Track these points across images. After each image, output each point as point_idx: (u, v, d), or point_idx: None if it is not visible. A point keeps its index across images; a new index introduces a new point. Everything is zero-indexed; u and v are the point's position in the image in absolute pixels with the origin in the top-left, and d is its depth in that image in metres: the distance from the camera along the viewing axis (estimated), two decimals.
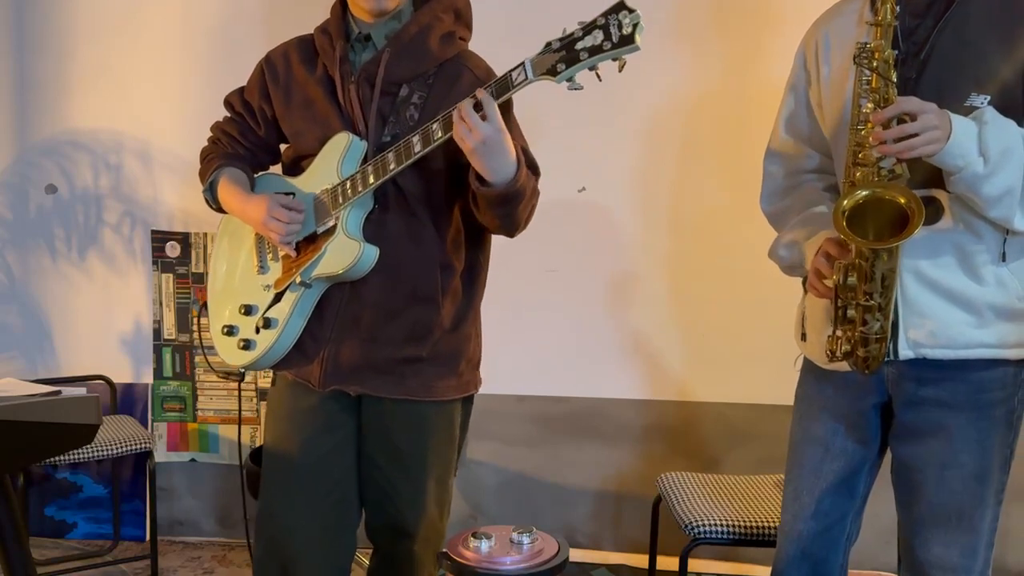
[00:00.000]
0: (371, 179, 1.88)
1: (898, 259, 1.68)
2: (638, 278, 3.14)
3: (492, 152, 1.77)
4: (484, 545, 1.97)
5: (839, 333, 1.74)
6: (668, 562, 2.68)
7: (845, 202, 1.63)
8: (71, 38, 3.29)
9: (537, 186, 1.97)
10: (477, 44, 2.09)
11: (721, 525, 2.32)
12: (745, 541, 2.32)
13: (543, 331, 3.16)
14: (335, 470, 2.03)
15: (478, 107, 1.76)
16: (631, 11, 1.66)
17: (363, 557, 2.58)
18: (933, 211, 1.69)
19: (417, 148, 1.83)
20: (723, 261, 3.01)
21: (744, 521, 2.32)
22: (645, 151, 3.08)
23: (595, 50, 1.69)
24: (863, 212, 1.63)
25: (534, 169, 1.99)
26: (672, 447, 3.15)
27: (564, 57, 1.71)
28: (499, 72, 1.82)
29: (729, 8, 2.98)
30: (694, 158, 3.04)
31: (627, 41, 1.66)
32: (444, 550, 2.01)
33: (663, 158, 3.08)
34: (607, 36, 1.67)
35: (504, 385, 3.11)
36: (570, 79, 1.72)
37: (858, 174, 1.67)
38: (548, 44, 1.73)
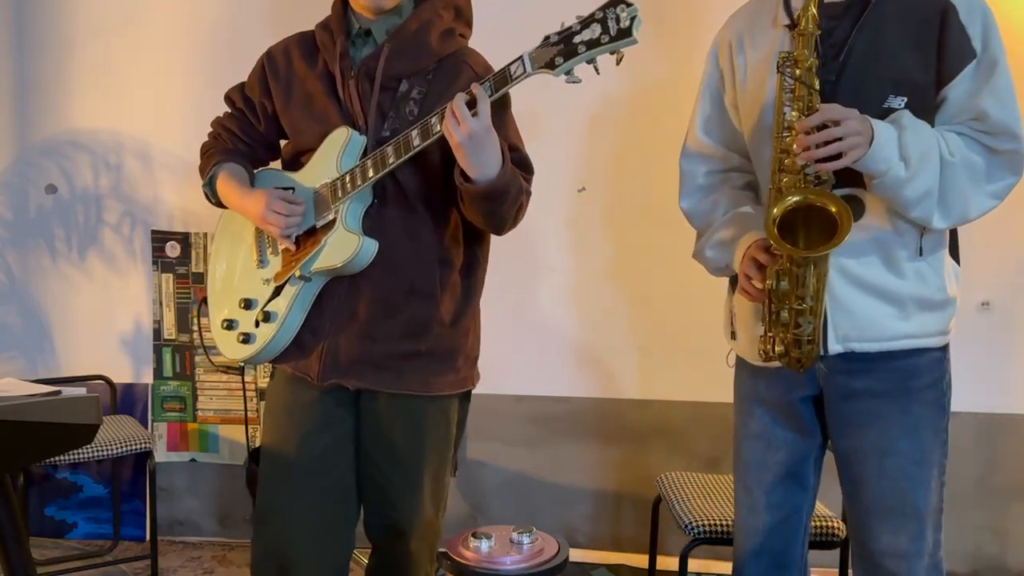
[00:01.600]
0: (370, 173, 1.89)
1: (828, 263, 1.72)
2: (638, 277, 3.14)
3: (477, 148, 1.78)
4: (484, 545, 1.97)
5: (771, 333, 1.78)
6: (668, 562, 2.68)
7: (775, 210, 1.66)
8: (71, 38, 3.29)
9: (527, 186, 1.97)
10: (477, 42, 2.09)
11: (721, 525, 2.32)
12: None
13: (543, 331, 3.16)
14: (333, 467, 2.03)
15: (472, 103, 1.77)
16: (628, 5, 1.68)
17: (362, 556, 2.58)
18: (856, 210, 1.73)
19: (416, 142, 1.84)
20: None
21: None
22: (646, 149, 3.08)
23: (593, 43, 1.70)
24: (793, 218, 1.67)
25: (526, 168, 2.00)
26: (672, 447, 3.15)
27: (562, 51, 1.72)
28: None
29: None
30: None
31: (625, 34, 1.68)
32: (444, 550, 2.01)
33: (664, 155, 3.07)
34: (605, 29, 1.69)
35: (504, 385, 3.11)
36: (568, 72, 1.74)
37: (784, 180, 1.71)
38: (546, 38, 1.75)
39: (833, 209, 1.63)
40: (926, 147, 1.66)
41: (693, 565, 2.58)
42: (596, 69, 1.74)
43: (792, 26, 1.76)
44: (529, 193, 1.99)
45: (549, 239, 3.11)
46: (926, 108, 1.71)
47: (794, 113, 1.68)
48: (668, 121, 3.05)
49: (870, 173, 1.66)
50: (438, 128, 1.81)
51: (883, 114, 1.68)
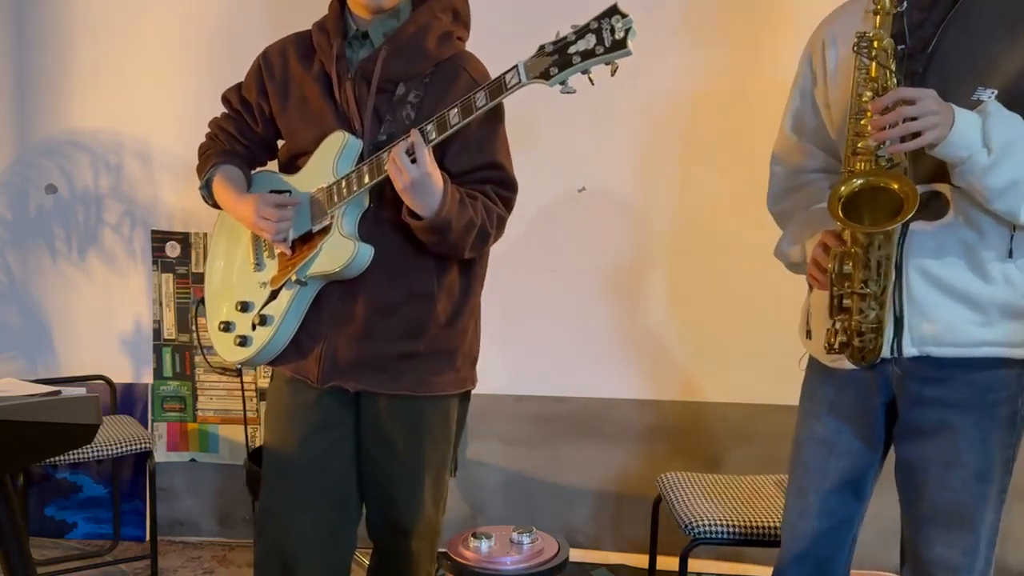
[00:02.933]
0: (366, 179, 1.90)
1: (893, 246, 1.68)
2: (638, 278, 3.14)
3: (419, 192, 1.83)
4: (484, 545, 1.97)
5: (837, 325, 1.74)
6: (668, 562, 2.68)
7: (842, 188, 1.63)
8: (71, 37, 3.29)
9: (495, 214, 1.97)
10: (474, 44, 2.09)
11: (721, 525, 2.32)
12: (745, 541, 2.32)
13: (543, 331, 3.16)
14: (334, 467, 2.04)
15: (411, 150, 1.80)
16: (624, 16, 1.67)
17: (363, 557, 2.58)
18: (938, 206, 1.69)
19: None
20: (723, 261, 3.01)
21: (744, 521, 2.32)
22: (646, 149, 3.08)
23: (587, 54, 1.70)
24: (859, 201, 1.63)
25: (508, 186, 2.01)
26: (672, 447, 3.15)
27: (557, 61, 1.72)
28: (497, 74, 1.83)
29: (731, 6, 2.98)
30: (695, 156, 3.03)
31: (619, 46, 1.67)
32: (444, 550, 2.01)
33: (664, 156, 3.07)
34: (599, 40, 1.69)
35: (504, 385, 3.11)
36: (563, 83, 1.74)
37: (857, 164, 1.67)
38: (541, 47, 1.75)
39: (896, 187, 1.59)
40: (1013, 135, 1.60)
41: (693, 565, 2.57)
42: (591, 80, 1.73)
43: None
44: (502, 218, 1.99)
45: (549, 239, 3.11)
46: (1019, 102, 1.65)
47: (868, 94, 1.65)
48: (669, 122, 3.06)
49: (951, 160, 1.61)
50: (434, 135, 1.83)
51: (971, 106, 1.63)
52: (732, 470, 2.85)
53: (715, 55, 2.99)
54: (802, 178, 1.96)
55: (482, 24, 2.14)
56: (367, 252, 1.92)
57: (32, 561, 1.94)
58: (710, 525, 2.32)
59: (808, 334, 1.92)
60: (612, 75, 1.70)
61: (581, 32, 1.71)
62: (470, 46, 2.08)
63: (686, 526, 2.35)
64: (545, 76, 1.73)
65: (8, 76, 3.32)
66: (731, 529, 2.32)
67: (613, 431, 3.18)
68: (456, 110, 1.80)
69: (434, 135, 1.82)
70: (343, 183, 1.92)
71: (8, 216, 3.38)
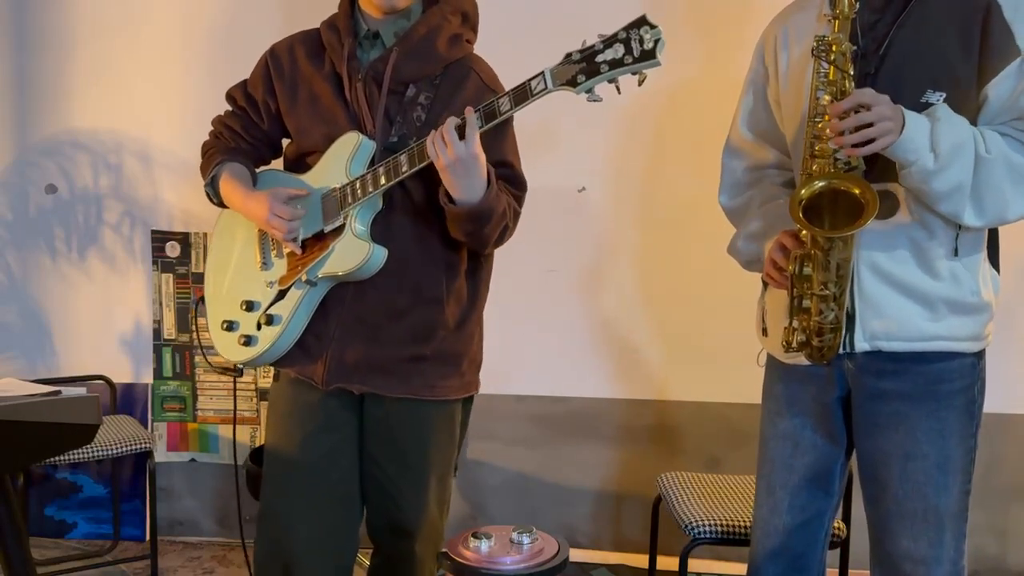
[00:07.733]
0: (382, 180, 1.89)
1: (852, 248, 1.70)
2: (638, 278, 3.14)
3: (462, 172, 1.80)
4: (484, 545, 1.97)
5: (795, 324, 1.76)
6: (668, 562, 2.68)
7: (803, 192, 1.65)
8: (71, 38, 3.29)
9: (516, 206, 1.98)
10: (478, 48, 2.09)
11: (721, 525, 2.32)
12: (745, 541, 2.31)
13: (543, 331, 3.16)
14: (336, 469, 2.03)
15: (462, 128, 1.78)
16: (653, 27, 1.67)
17: (364, 558, 2.58)
18: (889, 205, 1.72)
19: (431, 151, 1.83)
20: (723, 260, 3.00)
21: (744, 521, 2.32)
22: (648, 149, 3.08)
23: (616, 63, 1.70)
24: (819, 203, 1.65)
25: (518, 185, 2.01)
26: (672, 447, 3.15)
27: (584, 69, 1.72)
28: (504, 77, 1.83)
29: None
30: (697, 154, 3.03)
31: (648, 56, 1.68)
32: (444, 550, 2.01)
33: (665, 156, 3.08)
34: (628, 50, 1.69)
35: (504, 385, 3.11)
36: (589, 91, 1.74)
37: (815, 166, 1.69)
38: (568, 55, 1.74)
39: (857, 191, 1.62)
40: (958, 140, 1.63)
41: (693, 565, 2.57)
42: (617, 88, 1.74)
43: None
44: (517, 213, 2.00)
45: (549, 239, 3.11)
46: (966, 106, 1.68)
47: (827, 97, 1.66)
48: (668, 123, 3.06)
49: (899, 162, 1.64)
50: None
51: (920, 108, 1.66)
52: (731, 470, 2.85)
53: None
54: (757, 173, 1.98)
55: (487, 28, 2.13)
56: (381, 254, 1.92)
57: (32, 561, 1.94)
58: (710, 525, 2.33)
59: (764, 331, 1.94)
60: (640, 84, 1.70)
61: (609, 41, 1.70)
62: (475, 49, 2.08)
63: (686, 526, 2.35)
64: (572, 83, 1.73)
65: (8, 76, 3.32)
66: (731, 529, 2.32)
67: (613, 431, 3.18)
68: (478, 114, 1.79)
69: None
70: (357, 184, 1.91)
71: (8, 216, 3.38)
